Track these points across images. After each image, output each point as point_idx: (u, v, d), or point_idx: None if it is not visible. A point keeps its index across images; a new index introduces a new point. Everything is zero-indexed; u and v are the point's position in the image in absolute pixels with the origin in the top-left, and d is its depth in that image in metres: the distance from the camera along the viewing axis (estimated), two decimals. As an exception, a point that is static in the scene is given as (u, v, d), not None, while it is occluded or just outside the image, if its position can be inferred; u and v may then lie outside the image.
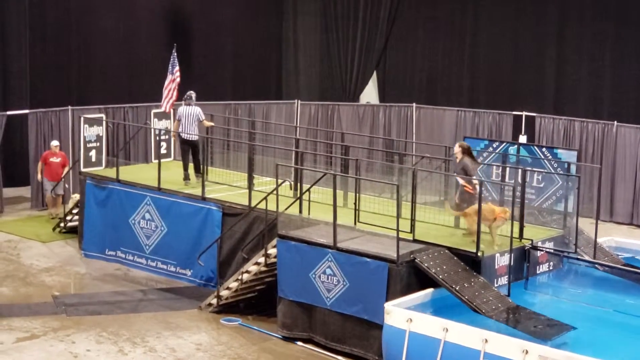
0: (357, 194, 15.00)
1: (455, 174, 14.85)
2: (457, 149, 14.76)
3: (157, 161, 17.63)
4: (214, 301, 15.18)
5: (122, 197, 17.50)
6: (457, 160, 14.76)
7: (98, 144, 18.80)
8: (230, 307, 15.22)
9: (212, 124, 18.63)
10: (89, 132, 18.71)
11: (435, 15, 26.39)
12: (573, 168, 16.17)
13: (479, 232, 13.30)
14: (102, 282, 16.80)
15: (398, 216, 13.32)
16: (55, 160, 20.09)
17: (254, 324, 14.70)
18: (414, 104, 25.46)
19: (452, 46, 26.13)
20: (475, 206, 13.59)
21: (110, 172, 18.10)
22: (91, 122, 18.89)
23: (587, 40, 23.70)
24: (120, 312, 15.18)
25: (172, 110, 19.02)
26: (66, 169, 20.23)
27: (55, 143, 20.23)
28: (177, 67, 18.58)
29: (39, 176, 20.16)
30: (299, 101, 25.36)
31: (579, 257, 14.96)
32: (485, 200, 13.87)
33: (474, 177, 14.61)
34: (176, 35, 23.49)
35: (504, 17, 25.08)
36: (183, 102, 17.55)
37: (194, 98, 17.51)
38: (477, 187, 14.10)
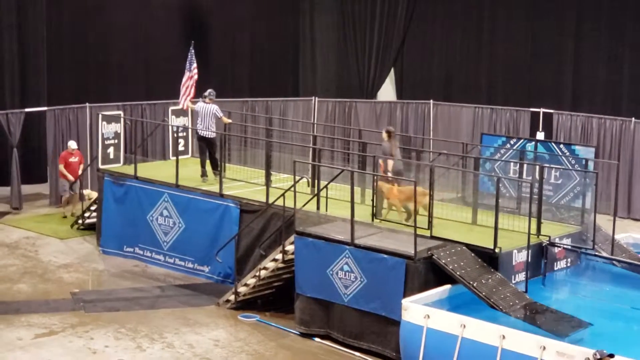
0: (375, 191, 14.99)
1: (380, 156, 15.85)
2: (383, 134, 15.79)
3: (174, 158, 17.68)
4: (232, 297, 15.23)
5: (140, 194, 17.56)
6: (384, 143, 15.73)
7: (116, 141, 18.88)
8: (248, 304, 15.26)
9: (230, 120, 18.69)
10: (107, 129, 18.79)
11: (452, 13, 26.33)
12: (591, 164, 16.11)
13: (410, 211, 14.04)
14: (120, 278, 16.88)
15: (415, 212, 13.32)
16: (74, 159, 20.21)
17: (271, 321, 14.73)
18: (431, 101, 25.44)
19: (469, 43, 26.08)
20: (398, 187, 14.63)
21: (128, 169, 18.17)
22: (109, 119, 18.96)
23: (605, 36, 23.60)
24: (139, 309, 15.25)
25: (189, 108, 19.05)
26: (81, 167, 20.34)
27: (73, 145, 20.30)
28: (195, 64, 18.62)
29: (70, 177, 20.10)
30: (317, 98, 25.37)
31: (596, 253, 14.93)
32: (410, 182, 14.64)
33: (390, 157, 15.48)
34: (193, 32, 23.53)
35: (521, 14, 25.00)
36: (201, 99, 17.61)
37: (213, 96, 17.58)
38: (393, 168, 15.29)
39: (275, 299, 15.43)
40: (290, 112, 24.77)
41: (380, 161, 15.73)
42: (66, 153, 20.23)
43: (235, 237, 15.73)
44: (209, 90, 17.65)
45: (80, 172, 20.24)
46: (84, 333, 13.99)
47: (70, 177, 20.06)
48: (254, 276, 14.97)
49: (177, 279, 16.94)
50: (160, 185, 17.29)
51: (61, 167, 20.16)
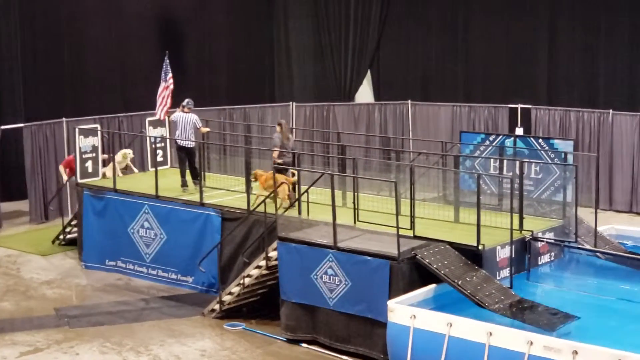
0: (356, 193, 14.96)
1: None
2: (277, 127, 16.60)
3: (153, 169, 17.59)
4: (217, 307, 15.15)
5: (120, 206, 17.47)
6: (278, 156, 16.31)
7: (94, 154, 18.75)
8: (233, 312, 15.19)
9: (208, 129, 18.63)
10: (85, 143, 18.65)
11: (426, 12, 26.36)
12: (570, 158, 16.14)
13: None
14: (104, 292, 16.76)
15: (397, 213, 13.31)
16: None
17: (257, 328, 14.67)
18: (409, 101, 25.44)
19: (445, 42, 26.11)
20: (268, 173, 15.58)
21: (107, 182, 18.06)
22: (86, 133, 18.82)
23: (580, 29, 23.69)
24: (123, 322, 15.13)
25: (166, 118, 18.99)
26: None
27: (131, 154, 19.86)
28: (170, 74, 18.56)
29: (65, 178, 19.82)
30: (294, 103, 25.33)
31: (579, 246, 14.96)
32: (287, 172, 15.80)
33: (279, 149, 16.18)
34: (168, 42, 23.45)
35: (496, 10, 25.05)
36: (179, 109, 17.55)
37: (192, 105, 17.55)
38: (283, 159, 15.99)
39: (260, 306, 15.37)
40: (268, 119, 24.71)
41: (274, 153, 16.26)
42: (72, 158, 19.36)
43: (217, 246, 15.65)
44: (187, 100, 17.60)
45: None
46: (69, 349, 13.88)
47: (65, 178, 19.79)
48: (238, 284, 14.91)
49: (160, 290, 16.83)
50: (140, 197, 17.20)
51: (61, 168, 19.97)
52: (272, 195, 15.14)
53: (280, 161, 15.98)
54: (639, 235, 16.91)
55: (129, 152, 19.60)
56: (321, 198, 15.04)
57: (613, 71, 23.19)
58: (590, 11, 23.46)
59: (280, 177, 15.42)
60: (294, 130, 23.41)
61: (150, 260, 17.12)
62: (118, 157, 19.26)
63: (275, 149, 16.22)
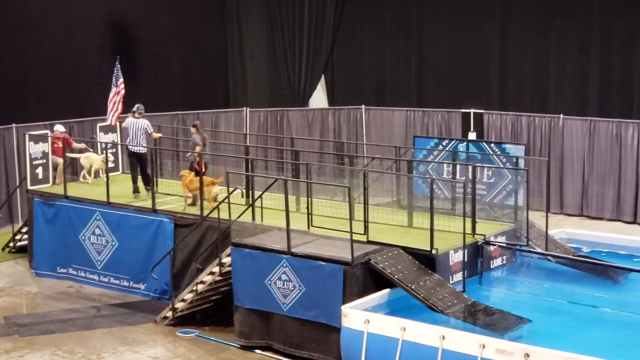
0: (310, 198, 14.95)
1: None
2: (192, 129, 17.65)
3: (104, 175, 17.41)
4: (169, 314, 15.03)
5: (71, 213, 17.28)
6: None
7: (44, 160, 18.51)
8: (186, 319, 15.08)
9: (160, 135, 18.52)
10: (35, 149, 18.41)
11: (380, 17, 26.44)
12: (521, 162, 16.28)
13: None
14: (55, 300, 16.55)
15: (351, 218, 13.30)
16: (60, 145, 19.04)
17: (211, 335, 14.57)
18: (363, 106, 25.50)
19: (399, 47, 26.22)
20: (191, 174, 16.22)
21: (58, 189, 17.85)
22: (36, 139, 18.59)
23: (530, 35, 23.93)
24: (75, 330, 14.96)
25: (117, 123, 18.82)
26: (76, 146, 19.40)
27: (60, 128, 19.26)
28: (121, 79, 18.41)
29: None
30: (248, 108, 25.26)
31: (531, 249, 15.08)
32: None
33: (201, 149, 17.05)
34: (119, 47, 23.23)
35: (448, 15, 25.22)
36: (130, 114, 17.42)
37: (142, 110, 17.46)
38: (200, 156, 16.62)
39: (213, 313, 15.28)
40: (222, 124, 24.61)
41: (196, 152, 16.94)
42: (52, 137, 18.99)
43: (170, 252, 15.54)
44: (137, 105, 17.48)
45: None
46: (19, 358, 13.68)
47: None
48: (191, 291, 14.80)
49: (112, 298, 16.68)
50: (91, 203, 17.04)
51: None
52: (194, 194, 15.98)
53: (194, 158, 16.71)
54: (590, 238, 17.11)
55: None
56: (275, 203, 15.02)
57: (562, 76, 23.46)
58: (541, 16, 23.71)
59: (207, 179, 15.97)
60: (247, 136, 23.40)
61: (102, 267, 16.95)
62: (98, 161, 18.97)
63: (199, 147, 16.97)
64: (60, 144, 18.87)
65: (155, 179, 17.25)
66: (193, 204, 16.30)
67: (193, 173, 16.52)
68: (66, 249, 17.37)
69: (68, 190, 17.45)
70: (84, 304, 16.36)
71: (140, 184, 17.36)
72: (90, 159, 19.01)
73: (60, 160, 18.78)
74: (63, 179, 18.24)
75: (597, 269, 14.68)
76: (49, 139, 18.97)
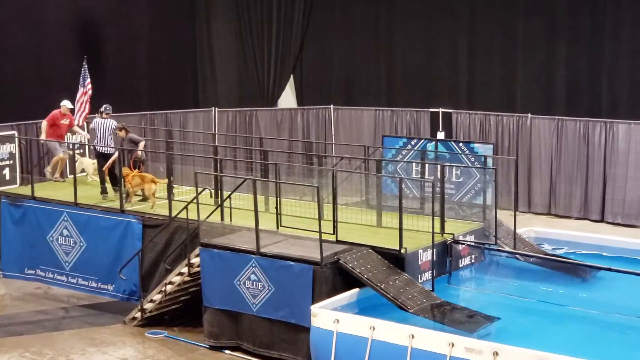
0: (279, 198, 14.93)
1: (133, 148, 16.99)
2: (120, 133, 16.92)
3: (72, 176, 17.30)
4: (138, 315, 14.96)
5: (38, 214, 17.13)
6: (124, 139, 16.91)
7: (11, 161, 18.35)
8: (155, 320, 15.02)
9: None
10: (2, 150, 18.25)
11: (349, 16, 26.50)
12: (490, 161, 16.37)
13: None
14: (23, 302, 16.43)
15: (320, 218, 13.30)
16: (65, 122, 18.51)
17: (180, 335, 14.52)
18: (332, 106, 25.52)
19: (368, 46, 26.28)
20: (135, 173, 16.25)
21: (26, 190, 17.68)
22: (3, 140, 18.42)
23: (497, 34, 24.07)
24: (43, 331, 14.87)
25: (85, 124, 18.69)
26: (76, 129, 18.93)
27: (68, 105, 18.54)
28: (89, 80, 18.32)
29: (43, 136, 18.41)
30: (217, 108, 25.18)
31: (499, 248, 15.16)
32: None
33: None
34: (86, 47, 23.05)
35: (416, 15, 25.31)
36: (98, 115, 17.31)
37: (110, 110, 17.37)
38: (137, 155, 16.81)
39: (182, 314, 15.23)
40: (190, 124, 24.51)
41: (139, 152, 16.96)
42: (58, 113, 18.29)
43: (138, 253, 15.46)
44: (105, 106, 17.40)
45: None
46: (-15, 361, 13.58)
47: (43, 136, 18.41)
48: (160, 291, 14.74)
49: (81, 299, 16.58)
50: (59, 204, 16.89)
51: (43, 124, 18.34)
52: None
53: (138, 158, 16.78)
54: (557, 237, 17.25)
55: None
56: (244, 204, 14.97)
57: (529, 76, 23.62)
58: (508, 16, 23.87)
59: (148, 176, 16.42)
60: (216, 136, 23.32)
61: (70, 268, 16.83)
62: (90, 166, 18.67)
63: (143, 142, 17.07)
64: (64, 122, 18.33)
65: (122, 179, 17.12)
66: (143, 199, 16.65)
67: (136, 170, 16.64)
68: (34, 250, 17.23)
69: (36, 192, 17.30)
70: (52, 305, 16.27)
71: (108, 184, 17.25)
72: (84, 164, 18.68)
73: (59, 152, 18.28)
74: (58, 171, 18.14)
75: (565, 267, 14.80)
76: (43, 122, 18.27)
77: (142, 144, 16.99)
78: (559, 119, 22.22)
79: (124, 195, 16.38)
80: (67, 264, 16.86)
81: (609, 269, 13.97)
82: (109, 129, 17.16)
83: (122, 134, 16.92)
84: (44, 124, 18.39)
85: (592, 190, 21.79)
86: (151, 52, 26.23)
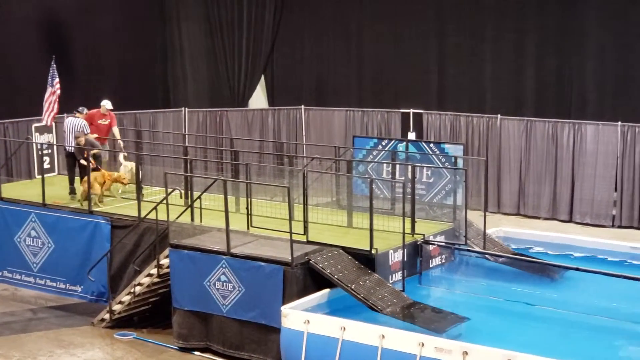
0: (249, 199, 14.88)
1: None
2: (80, 139, 16.56)
3: (40, 177, 17.14)
4: (107, 316, 14.87)
5: (5, 215, 16.93)
6: (83, 144, 16.53)
7: (-21, 161, 18.15)
8: (124, 322, 14.94)
9: (97, 135, 18.25)
10: (-31, 150, 18.05)
11: (320, 17, 26.48)
12: (460, 162, 16.42)
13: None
14: (-11, 304, 16.29)
15: (291, 218, 13.27)
16: (104, 122, 18.01)
17: (149, 337, 14.44)
18: (303, 106, 25.50)
19: (338, 47, 26.28)
20: (93, 173, 16.17)
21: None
22: (-30, 140, 18.23)
23: (466, 35, 24.17)
24: (10, 333, 14.74)
25: (53, 124, 18.53)
26: (115, 131, 18.18)
27: (108, 105, 17.94)
28: (57, 79, 18.11)
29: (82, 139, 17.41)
30: (187, 109, 25.07)
31: (469, 248, 15.21)
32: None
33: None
34: (55, 46, 22.86)
35: (386, 16, 25.35)
36: (73, 115, 17.23)
37: (81, 111, 17.26)
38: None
39: (152, 315, 15.14)
40: (160, 124, 24.39)
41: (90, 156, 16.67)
42: (96, 113, 17.80)
43: (107, 254, 15.34)
44: (81, 108, 17.37)
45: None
46: (-49, 364, 13.42)
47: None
48: (129, 293, 14.65)
49: (49, 300, 16.45)
50: (27, 205, 16.71)
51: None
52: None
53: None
54: (526, 237, 17.33)
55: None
56: (214, 204, 14.90)
57: (500, 76, 23.73)
58: (477, 17, 23.97)
59: (112, 174, 16.59)
60: (186, 136, 23.24)
61: (38, 269, 16.65)
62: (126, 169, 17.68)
63: (96, 149, 16.85)
64: (103, 122, 17.82)
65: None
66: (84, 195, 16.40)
67: (103, 171, 16.55)
68: (1, 252, 17.01)
69: (3, 192, 17.12)
70: (20, 307, 16.13)
71: (77, 184, 17.11)
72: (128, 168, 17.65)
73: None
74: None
75: (534, 267, 14.88)
76: (83, 121, 17.22)
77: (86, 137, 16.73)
78: (528, 120, 22.35)
79: (95, 198, 16.25)
80: (35, 265, 16.69)
81: (577, 269, 14.06)
82: (77, 128, 17.01)
83: (82, 140, 16.59)
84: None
85: (560, 191, 21.94)
86: (120, 51, 26.06)
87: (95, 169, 16.49)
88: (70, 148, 17.09)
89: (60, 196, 16.94)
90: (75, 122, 17.09)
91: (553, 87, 23.17)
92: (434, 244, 14.81)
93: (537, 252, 16.39)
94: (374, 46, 25.62)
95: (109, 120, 18.23)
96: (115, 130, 18.32)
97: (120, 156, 18.06)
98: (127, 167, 17.51)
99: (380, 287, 13.02)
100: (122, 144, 18.44)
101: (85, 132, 17.15)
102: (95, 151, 16.75)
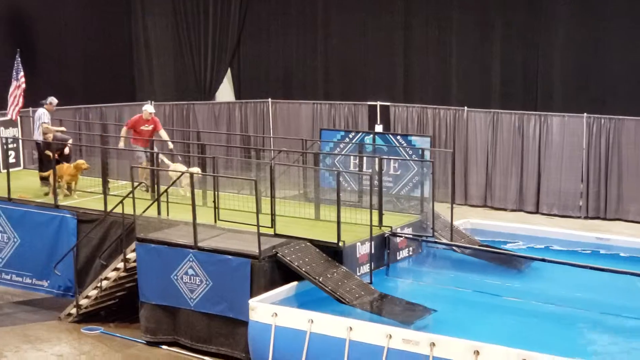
0: (216, 192, 14.83)
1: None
2: (48, 135, 16.82)
3: (5, 171, 16.97)
4: (74, 311, 14.78)
5: (-30, 210, 16.77)
6: (52, 138, 16.73)
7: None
8: (91, 316, 14.86)
9: (62, 128, 18.11)
10: None
11: (286, 9, 26.46)
12: (427, 154, 16.48)
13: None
14: (-46, 299, 16.14)
15: (258, 212, 13.26)
16: (147, 128, 17.37)
17: (116, 331, 14.37)
18: (270, 99, 25.46)
19: (305, 40, 26.27)
20: (59, 165, 16.24)
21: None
22: None
23: (432, 28, 24.26)
24: (-25, 329, 14.61)
25: (19, 118, 18.36)
26: (163, 134, 17.56)
27: (150, 109, 17.37)
28: (22, 73, 17.95)
29: (122, 144, 17.30)
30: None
31: (436, 240, 15.28)
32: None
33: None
34: (19, 40, 22.64)
35: (353, 8, 25.37)
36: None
37: (46, 102, 17.18)
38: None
39: (119, 309, 15.06)
40: (126, 118, 24.19)
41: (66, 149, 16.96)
42: (139, 119, 17.28)
43: (73, 249, 15.23)
44: (49, 98, 17.30)
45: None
46: None
47: (122, 144, 17.23)
48: (96, 287, 14.57)
49: (15, 295, 16.34)
50: (-9, 199, 16.56)
51: (123, 131, 17.31)
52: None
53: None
54: (493, 228, 17.44)
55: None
56: (181, 198, 14.84)
57: (466, 69, 23.85)
58: (443, 9, 24.07)
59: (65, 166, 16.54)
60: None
61: (4, 264, 16.48)
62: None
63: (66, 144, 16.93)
64: (146, 128, 17.28)
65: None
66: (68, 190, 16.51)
67: (66, 164, 16.53)
68: (-35, 247, 16.86)
69: (-33, 187, 16.95)
70: (-15, 302, 15.98)
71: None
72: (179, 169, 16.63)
73: (142, 160, 16.87)
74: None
75: (501, 258, 14.98)
76: (123, 128, 17.10)
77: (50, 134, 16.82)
78: (495, 112, 22.48)
79: (64, 190, 16.14)
80: (0, 260, 16.52)
81: (543, 260, 14.17)
82: (38, 118, 16.95)
83: (50, 136, 16.51)
84: (123, 130, 17.48)
85: (527, 183, 22.10)
86: (86, 45, 25.86)
87: (58, 162, 16.36)
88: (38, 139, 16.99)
89: (26, 190, 16.79)
90: (37, 114, 17.01)
91: (519, 79, 23.32)
92: (401, 236, 14.86)
93: (503, 242, 16.50)
94: (340, 39, 25.63)
95: (152, 126, 17.46)
96: (163, 133, 17.60)
97: (165, 158, 17.28)
98: (177, 168, 16.62)
99: (348, 280, 13.05)
100: (171, 145, 17.73)
101: (41, 121, 17.01)
102: (66, 150, 16.74)
